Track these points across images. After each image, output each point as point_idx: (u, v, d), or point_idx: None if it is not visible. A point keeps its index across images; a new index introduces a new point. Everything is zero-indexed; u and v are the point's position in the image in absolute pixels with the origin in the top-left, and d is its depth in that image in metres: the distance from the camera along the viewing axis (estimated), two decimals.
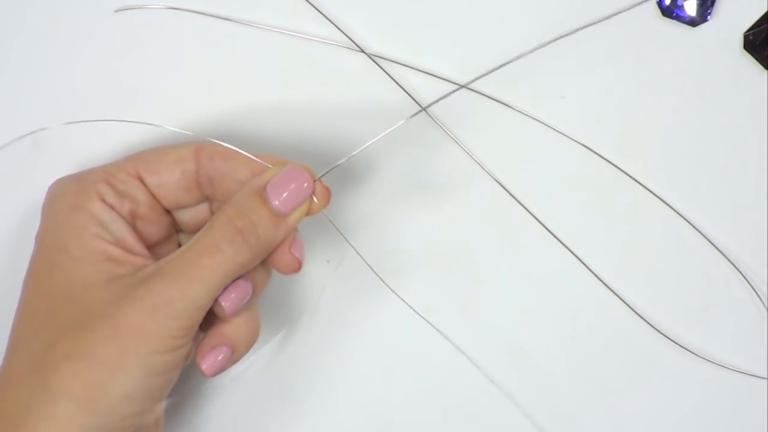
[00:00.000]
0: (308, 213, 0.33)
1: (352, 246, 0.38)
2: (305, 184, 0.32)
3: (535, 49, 0.37)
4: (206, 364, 0.32)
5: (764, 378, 0.38)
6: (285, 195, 0.32)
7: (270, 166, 0.33)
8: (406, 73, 0.39)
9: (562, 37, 0.37)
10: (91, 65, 0.39)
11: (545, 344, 0.40)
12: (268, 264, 0.33)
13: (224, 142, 0.34)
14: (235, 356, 0.33)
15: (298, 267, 0.33)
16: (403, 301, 0.38)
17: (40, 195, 0.36)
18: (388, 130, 0.34)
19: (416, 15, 0.39)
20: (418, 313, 0.38)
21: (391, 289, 0.38)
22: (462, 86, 0.37)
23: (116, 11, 0.39)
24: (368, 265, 0.38)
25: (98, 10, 0.39)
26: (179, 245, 0.35)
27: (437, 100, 0.35)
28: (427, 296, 0.39)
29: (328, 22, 0.38)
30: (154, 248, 0.34)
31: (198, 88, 0.38)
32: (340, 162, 0.33)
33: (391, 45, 0.38)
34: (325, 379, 0.40)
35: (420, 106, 0.38)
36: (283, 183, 0.32)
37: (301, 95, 0.39)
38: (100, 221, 0.32)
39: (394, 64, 0.38)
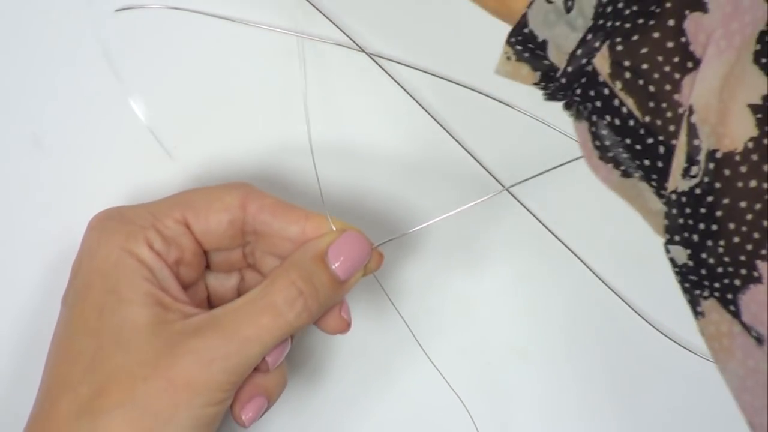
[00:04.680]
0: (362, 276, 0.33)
1: (395, 306, 0.38)
2: (363, 252, 0.32)
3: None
4: (246, 416, 0.32)
5: None
6: (344, 261, 0.32)
7: (333, 227, 0.32)
8: (407, 72, 0.38)
9: None
10: (91, 65, 0.38)
11: (545, 346, 0.40)
12: (317, 325, 0.34)
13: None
14: (269, 405, 0.33)
15: (346, 328, 0.34)
16: (439, 371, 0.38)
17: (40, 195, 0.36)
18: (460, 209, 0.34)
19: (417, 14, 0.38)
20: (449, 385, 0.38)
21: (429, 358, 0.38)
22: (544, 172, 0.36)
23: (116, 11, 0.37)
24: (409, 328, 0.38)
25: (98, 10, 0.37)
26: (206, 286, 0.35)
27: (520, 182, 0.35)
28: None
29: (329, 22, 0.38)
30: (187, 290, 0.33)
31: (198, 89, 0.38)
32: (399, 235, 0.34)
33: (392, 44, 0.38)
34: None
35: (496, 179, 0.38)
36: (343, 249, 0.32)
37: (302, 96, 0.38)
38: (149, 267, 0.31)
39: (395, 63, 0.38)
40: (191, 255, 0.33)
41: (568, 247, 0.39)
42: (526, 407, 0.40)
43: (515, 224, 0.39)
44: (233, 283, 0.35)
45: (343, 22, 0.38)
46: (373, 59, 0.37)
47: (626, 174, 0.27)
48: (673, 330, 0.39)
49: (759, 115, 0.23)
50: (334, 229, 0.32)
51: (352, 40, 0.37)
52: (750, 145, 0.22)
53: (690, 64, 0.24)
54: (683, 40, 0.24)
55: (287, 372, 0.34)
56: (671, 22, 0.24)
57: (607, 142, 0.26)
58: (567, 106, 0.28)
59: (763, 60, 0.23)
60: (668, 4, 0.24)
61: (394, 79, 0.38)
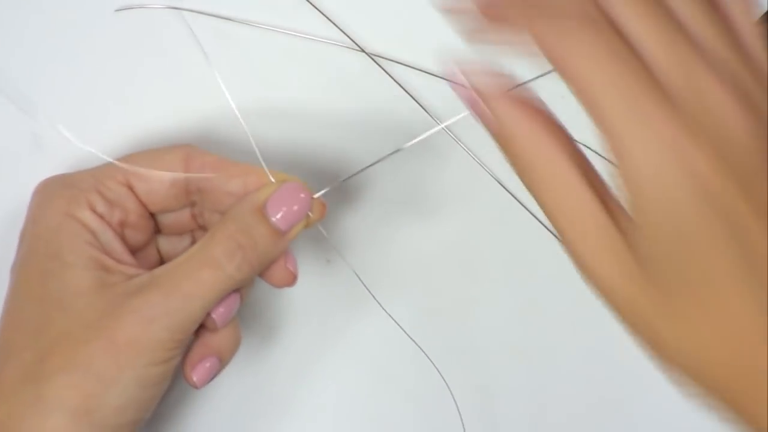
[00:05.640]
0: (304, 227, 0.33)
1: (343, 258, 0.38)
2: (303, 202, 0.32)
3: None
4: (197, 376, 0.32)
5: None
6: (284, 212, 0.31)
7: (272, 179, 0.32)
8: (407, 72, 0.37)
9: None
10: (91, 65, 0.38)
11: (541, 345, 0.39)
12: (263, 278, 0.33)
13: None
14: (221, 365, 0.33)
15: (293, 281, 0.33)
16: (390, 316, 0.38)
17: None
18: (392, 152, 0.34)
19: (417, 14, 0.38)
20: (402, 329, 0.38)
21: (380, 305, 0.37)
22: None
23: (116, 11, 0.37)
24: (359, 277, 0.37)
25: (98, 10, 0.37)
26: (158, 249, 0.35)
27: (455, 119, 0.34)
28: (415, 312, 0.38)
29: (329, 21, 0.37)
30: (136, 253, 0.34)
31: (197, 88, 0.37)
32: (339, 181, 0.33)
33: (392, 44, 0.37)
34: (304, 388, 0.39)
35: (433, 117, 0.37)
36: (283, 200, 0.31)
37: (302, 96, 0.38)
38: (91, 230, 0.31)
39: (395, 63, 0.37)
40: (136, 217, 0.32)
41: (510, 192, 0.37)
42: (483, 350, 0.39)
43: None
44: (186, 245, 0.35)
45: (344, 21, 0.37)
46: (373, 59, 0.37)
47: None
48: None
49: None
50: (274, 181, 0.32)
51: (352, 39, 0.37)
52: None
53: None
54: None
55: (240, 331, 0.33)
56: None
57: None
58: None
59: None
60: None
61: (394, 79, 0.37)
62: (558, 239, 0.31)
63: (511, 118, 0.26)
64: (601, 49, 0.25)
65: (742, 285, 0.25)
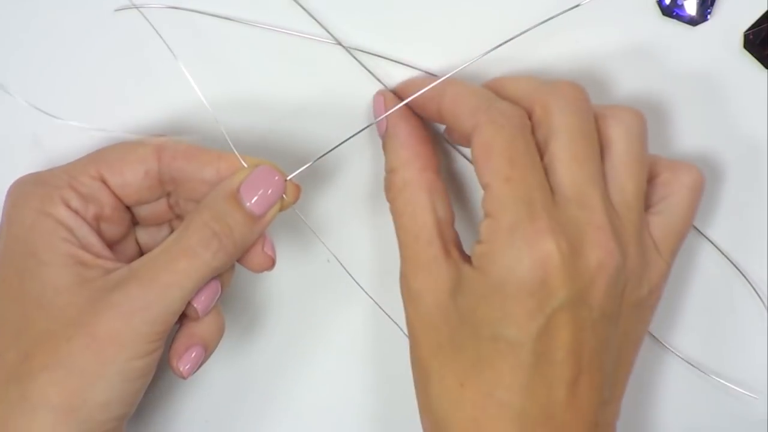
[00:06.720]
0: (279, 210, 0.33)
1: (323, 243, 0.37)
2: (277, 185, 0.32)
3: (524, 41, 0.35)
4: (184, 366, 0.32)
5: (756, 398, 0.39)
6: (258, 196, 0.31)
7: (244, 164, 0.32)
8: (386, 65, 0.37)
9: (545, 21, 0.34)
10: (91, 65, 0.37)
11: None
12: (241, 263, 0.33)
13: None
14: (207, 353, 0.33)
15: (271, 265, 0.33)
16: (373, 300, 0.38)
17: None
18: (359, 130, 0.34)
19: (395, 6, 0.37)
20: (387, 314, 0.37)
21: (362, 288, 0.37)
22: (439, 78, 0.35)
23: (116, 11, 0.37)
24: (339, 262, 0.37)
25: (98, 10, 0.37)
26: (137, 240, 0.35)
27: (416, 95, 0.33)
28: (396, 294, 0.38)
29: (312, 18, 0.37)
30: (115, 246, 0.34)
31: (196, 88, 0.37)
32: (311, 162, 0.33)
33: (369, 37, 0.37)
34: (290, 376, 0.39)
35: (401, 98, 0.36)
36: (256, 184, 0.31)
37: (285, 91, 0.37)
38: (67, 227, 0.31)
39: (373, 56, 0.37)
40: (111, 210, 0.32)
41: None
42: None
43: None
44: (164, 235, 0.35)
45: (325, 15, 0.37)
46: (350, 53, 0.37)
47: None
48: (674, 334, 0.38)
49: None
50: (246, 165, 0.32)
51: (330, 34, 0.37)
52: None
53: None
54: None
55: (223, 318, 0.33)
56: None
57: None
58: None
59: None
60: None
61: (372, 73, 0.37)
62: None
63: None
64: (519, 140, 0.29)
65: (523, 366, 0.28)
